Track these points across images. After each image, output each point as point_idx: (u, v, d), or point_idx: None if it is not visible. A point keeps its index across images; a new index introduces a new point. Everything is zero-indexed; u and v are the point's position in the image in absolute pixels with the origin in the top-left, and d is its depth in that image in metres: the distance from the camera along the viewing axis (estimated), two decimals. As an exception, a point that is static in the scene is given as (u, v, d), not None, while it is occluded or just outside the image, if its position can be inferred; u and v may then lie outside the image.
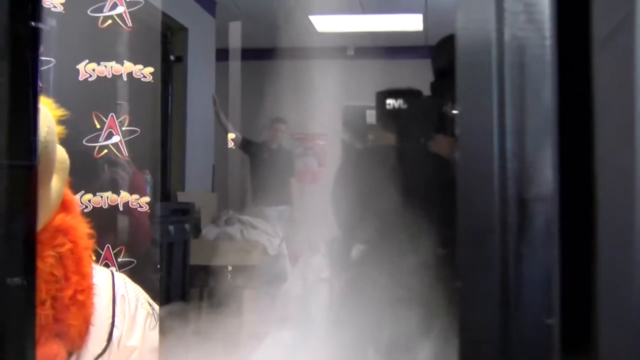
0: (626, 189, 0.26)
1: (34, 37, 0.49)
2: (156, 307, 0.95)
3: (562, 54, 0.28)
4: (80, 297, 0.77)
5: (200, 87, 3.81)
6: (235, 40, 3.56)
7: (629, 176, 0.26)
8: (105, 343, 0.82)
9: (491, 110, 0.27)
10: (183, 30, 3.64)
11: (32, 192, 0.48)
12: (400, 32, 4.21)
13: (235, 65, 3.72)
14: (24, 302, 0.40)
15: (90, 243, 0.79)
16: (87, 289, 0.78)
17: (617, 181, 0.27)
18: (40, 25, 0.57)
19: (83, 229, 0.79)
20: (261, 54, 3.99)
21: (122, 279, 0.90)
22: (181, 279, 2.78)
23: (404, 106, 2.12)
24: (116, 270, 1.13)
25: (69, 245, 0.74)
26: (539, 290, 0.27)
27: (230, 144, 3.44)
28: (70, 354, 0.78)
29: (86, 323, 0.78)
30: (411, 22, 4.05)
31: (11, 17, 0.45)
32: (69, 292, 0.75)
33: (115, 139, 1.68)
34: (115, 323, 0.84)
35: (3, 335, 0.35)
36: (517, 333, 0.26)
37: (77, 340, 0.78)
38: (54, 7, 1.57)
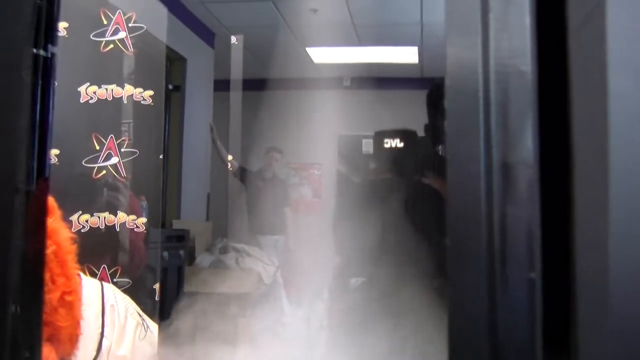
0: (599, 156, 0.28)
1: (50, 63, 0.52)
2: (146, 317, 0.96)
3: (541, 38, 0.30)
4: (68, 298, 0.78)
5: (197, 116, 3.85)
6: (235, 68, 3.62)
7: (602, 145, 0.28)
8: (95, 353, 0.83)
9: (477, 85, 0.29)
10: (182, 60, 3.70)
11: (43, 216, 0.50)
12: (395, 63, 4.29)
13: (233, 95, 3.78)
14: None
15: (74, 247, 0.81)
16: (74, 291, 0.79)
17: (591, 149, 0.29)
18: (53, 51, 0.59)
19: (65, 233, 0.80)
20: (258, 85, 4.06)
21: (111, 289, 0.91)
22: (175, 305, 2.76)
23: (400, 145, 2.17)
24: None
25: (52, 248, 0.75)
26: (523, 246, 0.29)
27: (229, 166, 3.46)
28: None
29: (75, 325, 0.79)
30: (407, 55, 4.13)
31: (28, 44, 0.47)
32: (57, 294, 0.76)
33: (114, 160, 1.70)
34: (105, 333, 0.85)
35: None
36: (503, 286, 0.28)
37: (67, 345, 0.79)
38: (57, 31, 1.62)
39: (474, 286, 0.28)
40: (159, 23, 1.82)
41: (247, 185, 3.90)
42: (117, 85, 1.70)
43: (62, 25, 1.65)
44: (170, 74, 3.62)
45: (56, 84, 1.57)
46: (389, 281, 1.17)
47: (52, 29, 0.59)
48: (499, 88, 0.29)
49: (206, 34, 3.99)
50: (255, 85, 3.98)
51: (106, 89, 1.72)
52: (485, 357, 0.28)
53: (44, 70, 0.50)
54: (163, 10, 1.92)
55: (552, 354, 0.29)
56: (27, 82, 0.48)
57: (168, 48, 3.47)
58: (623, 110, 0.28)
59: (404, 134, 1.96)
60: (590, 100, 0.30)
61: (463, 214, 0.29)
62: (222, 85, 3.96)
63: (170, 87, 3.76)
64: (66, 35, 1.62)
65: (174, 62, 3.67)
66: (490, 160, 0.29)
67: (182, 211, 3.72)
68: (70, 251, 0.80)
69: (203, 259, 3.73)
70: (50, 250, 0.75)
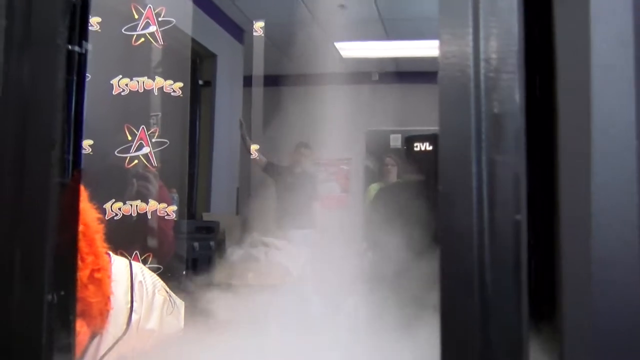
0: (582, 109, 0.30)
1: (83, 58, 0.55)
2: (173, 294, 1.00)
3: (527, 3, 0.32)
4: (97, 275, 0.82)
5: (227, 112, 3.91)
6: (257, 60, 3.65)
7: (585, 98, 0.30)
8: (124, 327, 0.87)
9: (468, 40, 0.32)
10: (212, 56, 3.76)
11: (76, 206, 0.53)
12: (424, 57, 4.28)
13: (261, 90, 3.82)
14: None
15: (101, 227, 0.84)
16: (102, 268, 0.83)
17: (574, 103, 0.31)
18: (87, 47, 0.63)
19: (92, 213, 0.84)
20: (287, 80, 4.10)
21: (139, 267, 0.95)
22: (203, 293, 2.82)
23: (430, 148, 2.19)
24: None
25: (81, 228, 0.79)
26: (510, 190, 0.31)
27: (254, 155, 3.49)
28: (93, 335, 0.83)
29: (105, 301, 0.83)
30: (434, 48, 4.11)
31: (63, 41, 0.50)
32: (86, 272, 0.80)
33: (145, 150, 1.76)
34: (134, 308, 0.89)
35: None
36: (491, 227, 0.30)
37: (98, 320, 0.83)
38: (91, 25, 1.68)
39: (463, 227, 0.30)
40: (186, 18, 1.87)
41: (277, 180, 3.95)
42: (147, 78, 1.75)
43: (95, 20, 1.71)
44: (201, 69, 3.69)
45: (89, 77, 1.63)
46: (421, 277, 1.18)
47: (84, 25, 0.62)
48: (487, 45, 0.31)
49: (235, 30, 4.05)
50: (284, 81, 4.02)
51: (137, 81, 1.78)
52: (474, 291, 0.30)
53: (78, 65, 0.53)
54: (189, 5, 1.97)
55: (537, 291, 0.31)
56: (62, 78, 0.51)
57: (198, 44, 3.55)
58: (605, 72, 0.30)
59: (434, 137, 1.98)
60: (574, 59, 0.31)
61: (454, 161, 0.31)
62: (251, 81, 4.02)
63: (201, 82, 3.83)
64: (99, 30, 1.68)
65: (204, 59, 3.73)
66: (479, 110, 0.31)
67: (212, 205, 3.79)
68: (98, 230, 0.84)
69: (233, 251, 3.79)
70: (79, 230, 0.79)
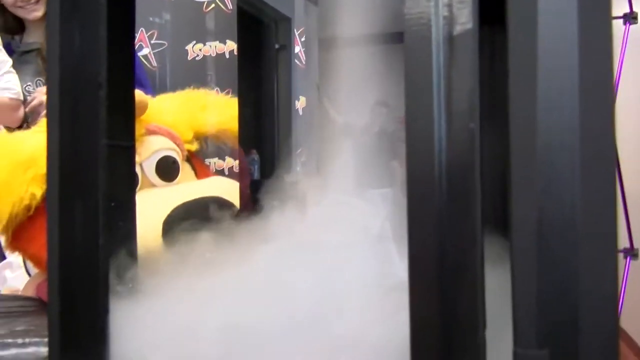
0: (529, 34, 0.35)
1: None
2: None
3: None
4: None
5: (304, 74, 3.99)
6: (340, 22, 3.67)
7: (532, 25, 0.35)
8: None
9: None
10: (287, 20, 3.83)
11: (132, 169, 0.62)
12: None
13: (338, 51, 3.86)
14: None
15: None
16: None
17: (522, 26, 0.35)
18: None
19: None
20: (366, 40, 4.10)
21: None
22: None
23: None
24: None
25: None
26: (465, 101, 0.36)
27: (332, 115, 3.55)
28: None
29: None
30: None
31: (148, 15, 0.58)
32: None
33: (221, 112, 1.87)
34: None
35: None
36: (448, 135, 0.36)
37: None
38: None
39: (426, 134, 0.36)
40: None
41: (354, 140, 4.01)
42: (219, 42, 1.86)
43: (168, -11, 1.84)
44: (276, 33, 3.76)
45: (165, 44, 1.75)
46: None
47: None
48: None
49: (310, -7, 4.09)
50: (363, 40, 4.02)
51: (210, 46, 1.89)
52: (434, 187, 0.36)
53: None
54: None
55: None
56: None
57: (273, 9, 3.62)
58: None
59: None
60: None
61: (417, 78, 0.37)
62: (328, 43, 4.05)
63: (277, 46, 3.92)
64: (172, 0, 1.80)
65: (279, 22, 3.81)
66: (438, 35, 0.36)
67: (293, 166, 3.91)
68: None
69: (312, 211, 3.92)
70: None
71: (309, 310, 0.60)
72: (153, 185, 1.15)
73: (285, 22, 3.64)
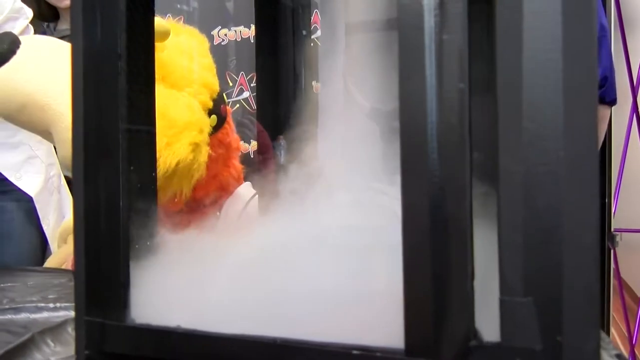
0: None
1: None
2: None
3: None
4: None
5: (331, 60, 4.01)
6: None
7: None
8: None
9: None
10: (312, 5, 3.85)
11: (153, 155, 0.65)
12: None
13: (364, 36, 3.87)
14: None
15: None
16: None
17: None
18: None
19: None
20: (390, 25, 4.10)
21: None
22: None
23: None
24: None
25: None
26: (455, 63, 0.38)
27: (359, 101, 3.58)
28: None
29: None
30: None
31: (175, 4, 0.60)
32: None
33: (246, 94, 1.91)
34: None
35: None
36: (439, 95, 0.38)
37: None
38: None
39: (418, 93, 0.38)
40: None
41: (381, 125, 4.02)
42: (244, 27, 1.89)
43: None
44: (303, 19, 3.79)
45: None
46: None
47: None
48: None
49: (336, -22, 4.10)
50: (387, 25, 4.02)
51: (235, 31, 1.93)
52: (426, 144, 0.38)
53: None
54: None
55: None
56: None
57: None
58: None
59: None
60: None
61: (410, 41, 0.39)
62: (355, 27, 4.07)
63: (304, 32, 3.95)
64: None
65: (305, 8, 3.83)
66: (430, 3, 0.38)
67: (318, 152, 3.95)
68: None
69: (340, 196, 3.95)
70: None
71: (332, 290, 0.62)
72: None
73: (307, 7, 3.65)
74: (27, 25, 1.59)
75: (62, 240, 1.29)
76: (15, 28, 1.54)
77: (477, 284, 0.39)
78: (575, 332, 0.35)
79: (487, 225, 0.40)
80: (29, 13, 1.63)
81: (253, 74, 1.91)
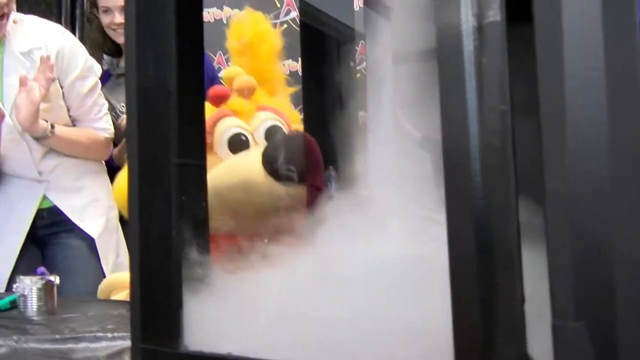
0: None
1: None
2: None
3: None
4: None
5: (380, 90, 4.03)
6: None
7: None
8: None
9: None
10: (358, 37, 3.90)
11: (203, 186, 0.67)
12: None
13: (412, 66, 3.88)
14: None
15: None
16: None
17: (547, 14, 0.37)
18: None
19: None
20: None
21: None
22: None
23: None
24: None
25: None
26: (495, 85, 0.38)
27: (408, 130, 3.58)
28: None
29: None
30: None
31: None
32: None
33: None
34: None
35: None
36: (480, 117, 0.38)
37: None
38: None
39: (459, 116, 0.38)
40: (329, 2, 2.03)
41: (432, 154, 3.99)
42: (292, 60, 1.94)
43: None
44: (349, 51, 3.85)
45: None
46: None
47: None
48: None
49: (382, 8, 4.14)
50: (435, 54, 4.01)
51: (284, 64, 1.98)
52: (469, 168, 0.38)
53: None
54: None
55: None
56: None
57: (346, 26, 3.71)
58: None
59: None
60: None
61: (450, 66, 0.39)
62: (402, 57, 4.08)
63: (352, 64, 4.00)
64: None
65: (351, 40, 3.89)
66: (468, 26, 0.39)
67: (368, 181, 3.94)
68: None
69: (392, 225, 3.93)
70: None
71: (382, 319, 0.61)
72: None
73: (352, 39, 3.71)
74: (96, 82, 1.70)
75: (105, 295, 1.35)
76: (85, 85, 1.65)
77: (529, 308, 0.39)
78: (631, 357, 0.34)
79: (539, 248, 0.39)
80: (98, 71, 1.74)
81: (301, 107, 1.95)
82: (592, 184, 0.35)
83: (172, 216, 0.56)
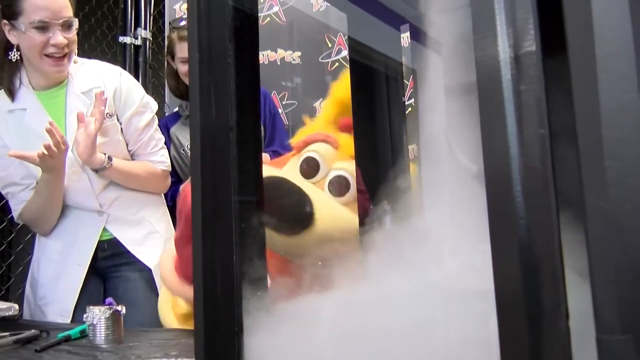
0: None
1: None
2: None
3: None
4: None
5: (431, 124, 4.04)
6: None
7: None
8: None
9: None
10: (408, 71, 3.95)
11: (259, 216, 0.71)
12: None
13: (466, 98, 3.88)
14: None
15: None
16: None
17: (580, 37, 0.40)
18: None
19: None
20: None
21: None
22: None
23: None
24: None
25: None
26: (533, 110, 0.41)
27: (464, 163, 3.57)
28: None
29: None
30: None
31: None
32: None
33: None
34: None
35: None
36: (520, 141, 0.40)
37: None
38: (292, 60, 1.99)
39: (501, 141, 0.41)
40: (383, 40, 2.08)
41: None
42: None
43: (296, 55, 2.02)
44: (399, 85, 3.90)
45: (296, 104, 1.92)
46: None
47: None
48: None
49: (435, 44, 4.18)
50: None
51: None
52: (512, 190, 0.40)
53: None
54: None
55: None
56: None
57: (398, 63, 3.76)
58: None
59: None
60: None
61: (490, 94, 0.42)
62: (455, 88, 4.10)
63: (405, 100, 4.04)
64: (300, 63, 1.97)
65: (401, 75, 3.94)
66: (506, 56, 0.41)
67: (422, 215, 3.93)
68: None
69: (450, 261, 3.88)
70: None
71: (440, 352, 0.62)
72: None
73: (401, 73, 3.73)
74: (153, 117, 1.80)
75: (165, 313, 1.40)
76: (142, 120, 1.74)
77: (575, 323, 0.40)
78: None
79: (578, 264, 0.41)
80: (154, 107, 1.84)
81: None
82: (632, 201, 0.37)
83: (233, 245, 0.60)
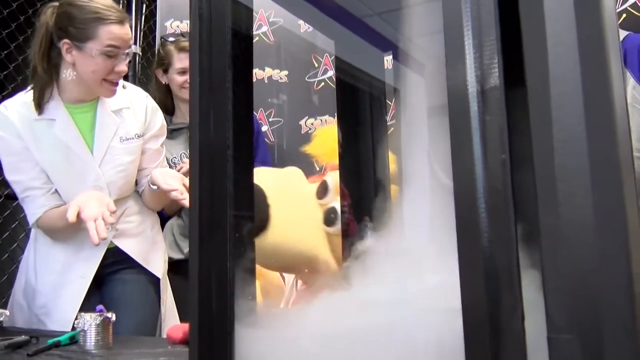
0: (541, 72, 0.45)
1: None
2: None
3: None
4: None
5: (414, 143, 4.13)
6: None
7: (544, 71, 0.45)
8: None
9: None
10: (396, 91, 4.03)
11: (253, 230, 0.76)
12: None
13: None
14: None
15: None
16: None
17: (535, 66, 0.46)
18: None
19: None
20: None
21: None
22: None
23: None
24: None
25: None
26: (496, 138, 0.47)
27: (447, 183, 3.66)
28: None
29: None
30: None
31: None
32: None
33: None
34: None
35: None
36: (485, 165, 0.47)
37: None
38: (280, 78, 2.06)
39: (468, 164, 0.47)
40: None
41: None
42: (329, 116, 2.06)
43: (283, 74, 2.09)
44: (382, 106, 3.98)
45: (282, 120, 1.98)
46: None
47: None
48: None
49: (416, 66, 4.29)
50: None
51: (320, 120, 2.09)
52: (477, 207, 0.46)
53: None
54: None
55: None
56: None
57: (381, 82, 3.85)
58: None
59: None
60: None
61: (460, 123, 0.48)
62: (437, 109, 4.19)
63: (387, 119, 4.13)
64: (287, 81, 2.04)
65: (383, 96, 4.03)
66: (474, 90, 0.48)
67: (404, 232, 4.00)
68: None
69: (429, 278, 3.94)
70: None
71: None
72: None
73: (384, 94, 3.80)
74: (164, 141, 1.85)
75: None
76: (158, 143, 1.80)
77: (529, 324, 0.46)
78: (614, 362, 0.41)
79: (531, 273, 0.47)
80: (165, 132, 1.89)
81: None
82: (578, 218, 0.43)
83: (227, 254, 0.65)
